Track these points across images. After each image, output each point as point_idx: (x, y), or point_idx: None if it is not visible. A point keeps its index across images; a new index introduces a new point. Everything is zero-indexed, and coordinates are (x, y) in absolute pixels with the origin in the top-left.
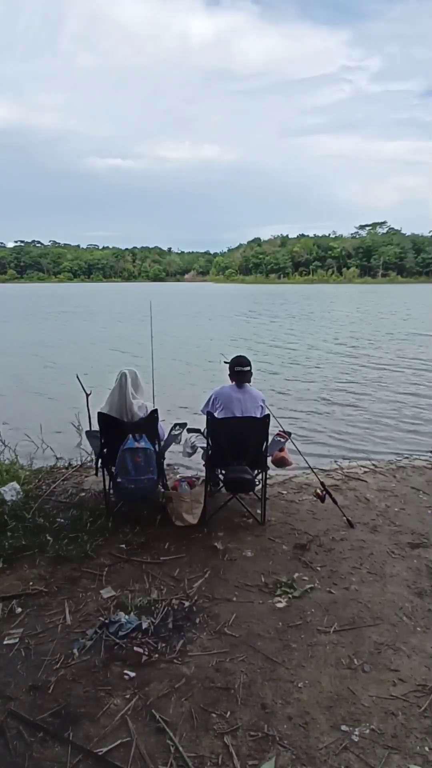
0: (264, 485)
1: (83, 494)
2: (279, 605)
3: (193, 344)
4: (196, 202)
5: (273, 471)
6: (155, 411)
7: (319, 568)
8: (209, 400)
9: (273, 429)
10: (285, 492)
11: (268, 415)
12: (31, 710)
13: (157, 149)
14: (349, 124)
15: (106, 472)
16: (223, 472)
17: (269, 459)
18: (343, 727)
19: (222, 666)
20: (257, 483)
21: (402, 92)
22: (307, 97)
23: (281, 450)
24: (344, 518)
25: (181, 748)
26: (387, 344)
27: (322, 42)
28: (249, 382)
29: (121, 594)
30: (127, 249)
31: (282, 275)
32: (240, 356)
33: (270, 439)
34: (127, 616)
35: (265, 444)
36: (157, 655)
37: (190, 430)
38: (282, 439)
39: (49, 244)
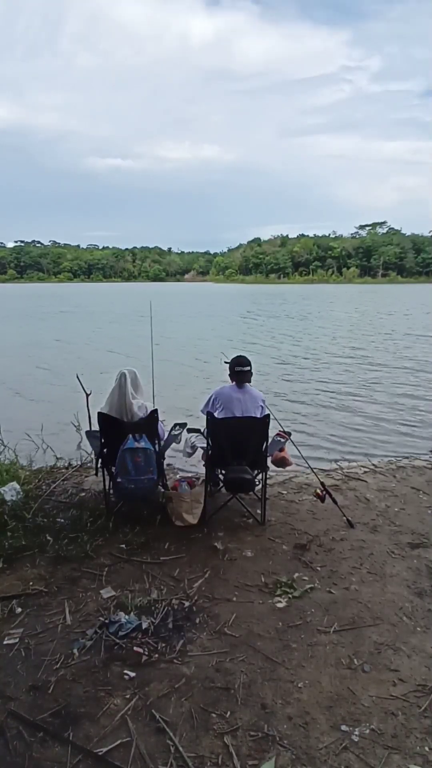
0: (264, 485)
1: (83, 494)
2: (279, 605)
3: (192, 344)
4: (196, 202)
5: (273, 471)
6: (155, 411)
7: (319, 568)
8: (209, 400)
9: (273, 429)
10: (285, 492)
11: (268, 415)
12: (31, 710)
13: (157, 149)
14: (349, 124)
15: (106, 472)
16: (223, 472)
17: (269, 459)
18: (343, 727)
19: (222, 666)
20: (257, 483)
21: (402, 92)
22: (307, 97)
23: (281, 450)
24: (344, 518)
25: (181, 748)
26: (386, 344)
27: (322, 42)
28: (249, 382)
29: (121, 594)
30: (127, 249)
31: (282, 275)
32: (240, 356)
33: (270, 439)
34: (127, 616)
35: (265, 444)
36: (157, 655)
37: (190, 430)
38: (282, 439)
39: (49, 244)
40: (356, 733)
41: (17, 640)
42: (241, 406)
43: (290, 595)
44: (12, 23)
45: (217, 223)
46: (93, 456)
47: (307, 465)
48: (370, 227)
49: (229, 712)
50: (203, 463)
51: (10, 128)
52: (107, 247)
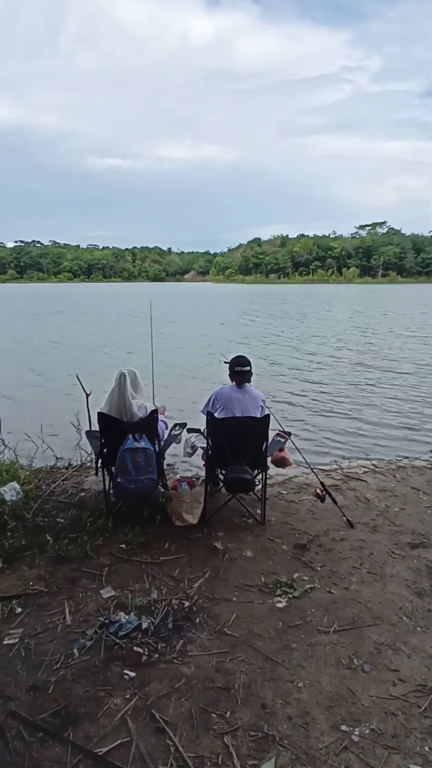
0: (264, 485)
1: (83, 494)
2: (279, 605)
3: (192, 344)
4: (196, 202)
5: (273, 471)
6: (155, 411)
7: (319, 568)
8: (209, 400)
9: (273, 429)
10: (285, 492)
11: (268, 415)
12: (31, 710)
13: (157, 149)
14: (349, 124)
15: (106, 472)
16: (223, 472)
17: (269, 459)
18: (343, 727)
19: (222, 666)
20: (257, 483)
21: (402, 92)
22: (307, 97)
23: (281, 450)
24: (344, 518)
25: (181, 748)
26: (386, 344)
27: (322, 42)
28: (249, 382)
29: (121, 594)
30: (127, 249)
31: (282, 275)
32: (240, 356)
33: (270, 439)
34: (127, 616)
35: (265, 444)
36: (157, 655)
37: (190, 430)
38: (282, 439)
39: (49, 244)
40: (356, 733)
41: (17, 640)
42: (241, 406)
43: (290, 595)
44: (12, 23)
45: (217, 223)
46: (93, 456)
47: (307, 465)
48: (370, 227)
49: (229, 712)
50: (203, 463)
51: (10, 128)
52: (107, 247)
